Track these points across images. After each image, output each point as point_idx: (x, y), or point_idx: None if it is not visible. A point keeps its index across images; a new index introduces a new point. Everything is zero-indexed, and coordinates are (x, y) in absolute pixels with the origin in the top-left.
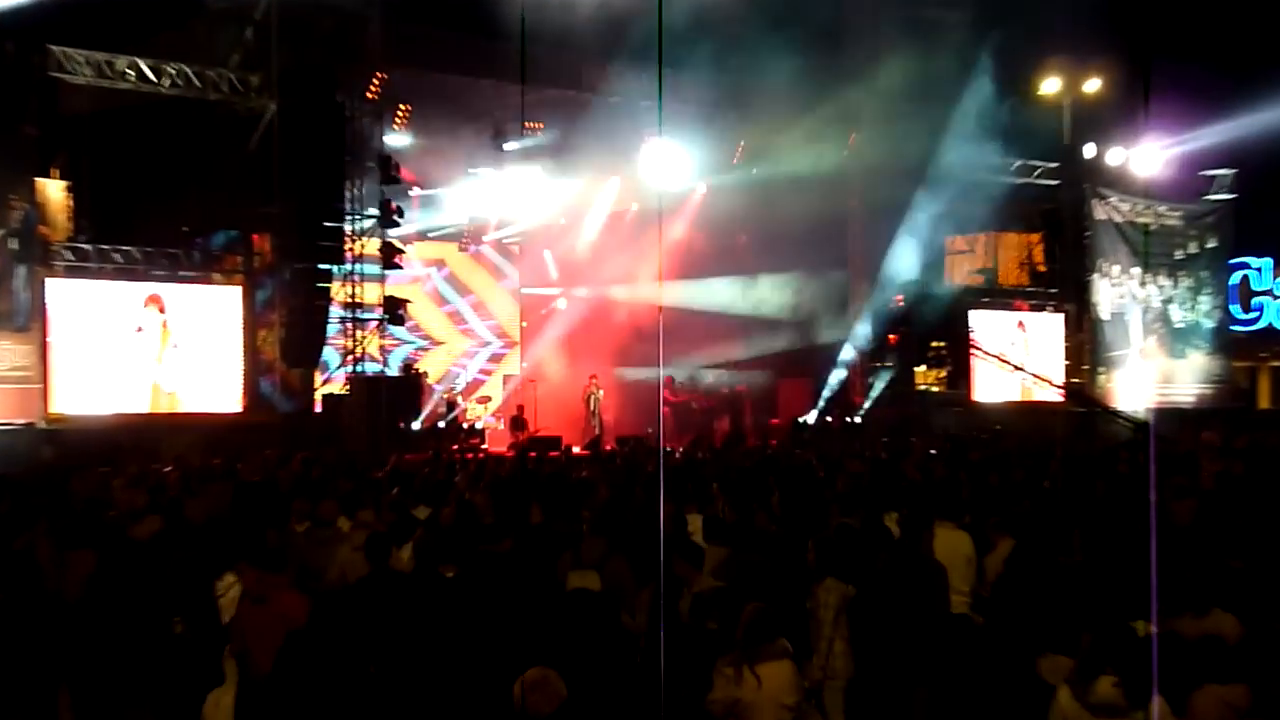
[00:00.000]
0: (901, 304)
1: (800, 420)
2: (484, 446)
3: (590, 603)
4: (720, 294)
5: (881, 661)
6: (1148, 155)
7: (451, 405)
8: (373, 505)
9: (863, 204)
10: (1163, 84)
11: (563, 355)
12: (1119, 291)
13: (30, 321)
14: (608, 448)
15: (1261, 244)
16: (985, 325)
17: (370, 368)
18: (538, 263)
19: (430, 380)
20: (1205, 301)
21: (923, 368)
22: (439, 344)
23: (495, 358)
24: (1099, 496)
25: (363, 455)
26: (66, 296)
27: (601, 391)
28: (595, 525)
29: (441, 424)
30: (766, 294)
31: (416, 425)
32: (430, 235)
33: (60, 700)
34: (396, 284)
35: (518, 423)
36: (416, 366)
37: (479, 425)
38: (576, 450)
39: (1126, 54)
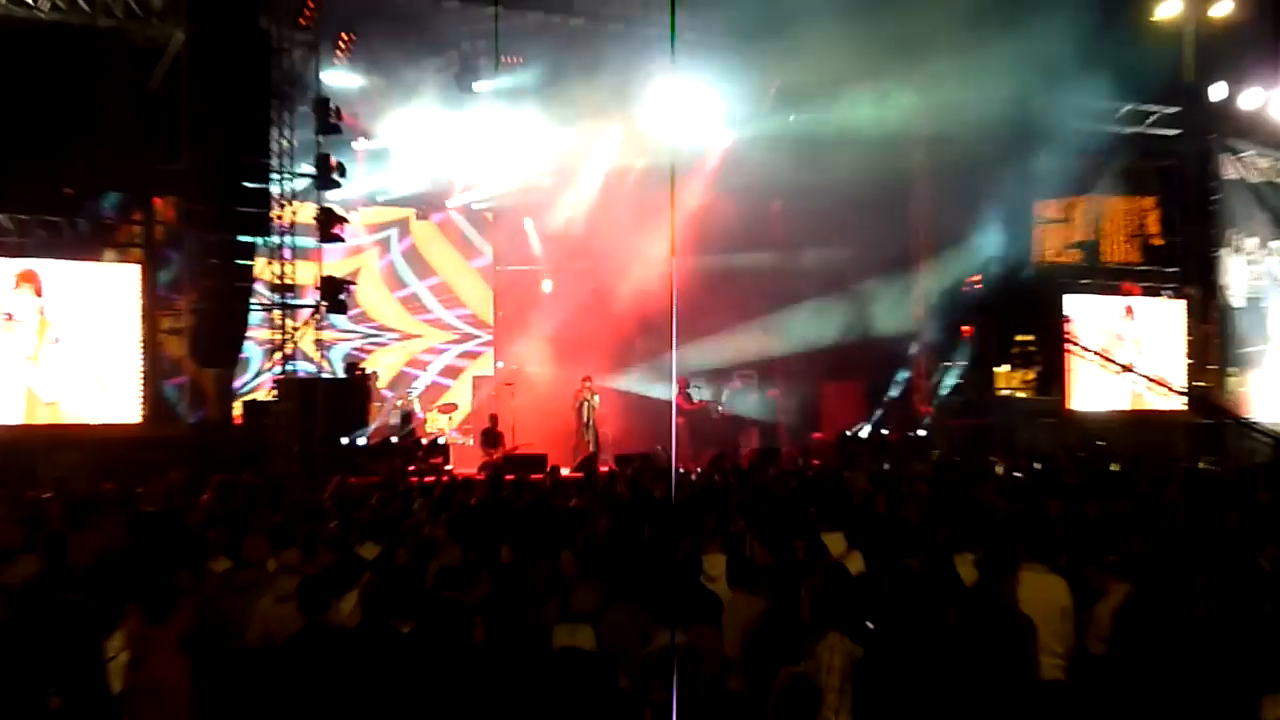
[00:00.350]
0: (979, 286)
1: (849, 433)
2: (449, 467)
3: (582, 665)
4: (749, 274)
5: None
6: None
7: (408, 416)
8: (305, 542)
9: (930, 161)
10: None
11: (548, 352)
12: (1255, 271)
13: None
14: (605, 469)
15: None
16: (1085, 313)
17: (304, 368)
18: (517, 235)
19: (380, 384)
20: None
21: (1005, 368)
22: (393, 337)
23: (464, 355)
24: (1230, 531)
25: (294, 479)
26: None
27: (597, 398)
28: (589, 567)
29: (394, 439)
30: (807, 274)
31: (363, 441)
32: (380, 200)
33: None
34: (337, 261)
35: (491, 437)
36: (363, 366)
37: (442, 441)
38: (566, 472)
39: None
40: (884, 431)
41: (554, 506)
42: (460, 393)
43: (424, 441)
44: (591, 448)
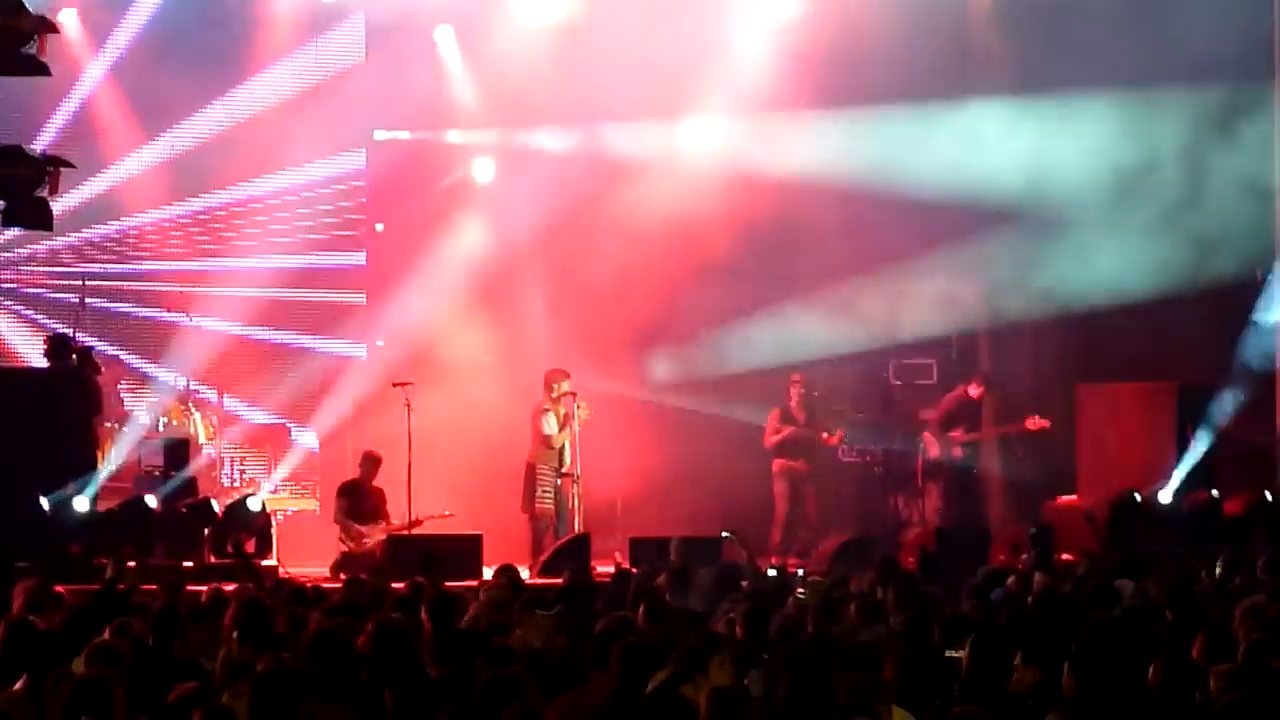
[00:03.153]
0: None
1: (1134, 497)
2: (274, 563)
3: None
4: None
5: None
6: None
7: (175, 448)
8: None
9: None
10: None
11: (489, 319)
12: None
13: None
14: (605, 565)
15: None
16: None
17: None
18: (417, 66)
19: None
20: None
21: None
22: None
23: (302, 323)
24: None
25: None
26: None
27: (584, 409)
28: None
29: (153, 500)
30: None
31: (85, 504)
32: None
33: None
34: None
35: (358, 499)
36: (83, 343)
37: (255, 504)
38: (528, 576)
39: None
40: (1213, 492)
41: (500, 677)
42: (296, 407)
43: (216, 507)
44: (576, 525)
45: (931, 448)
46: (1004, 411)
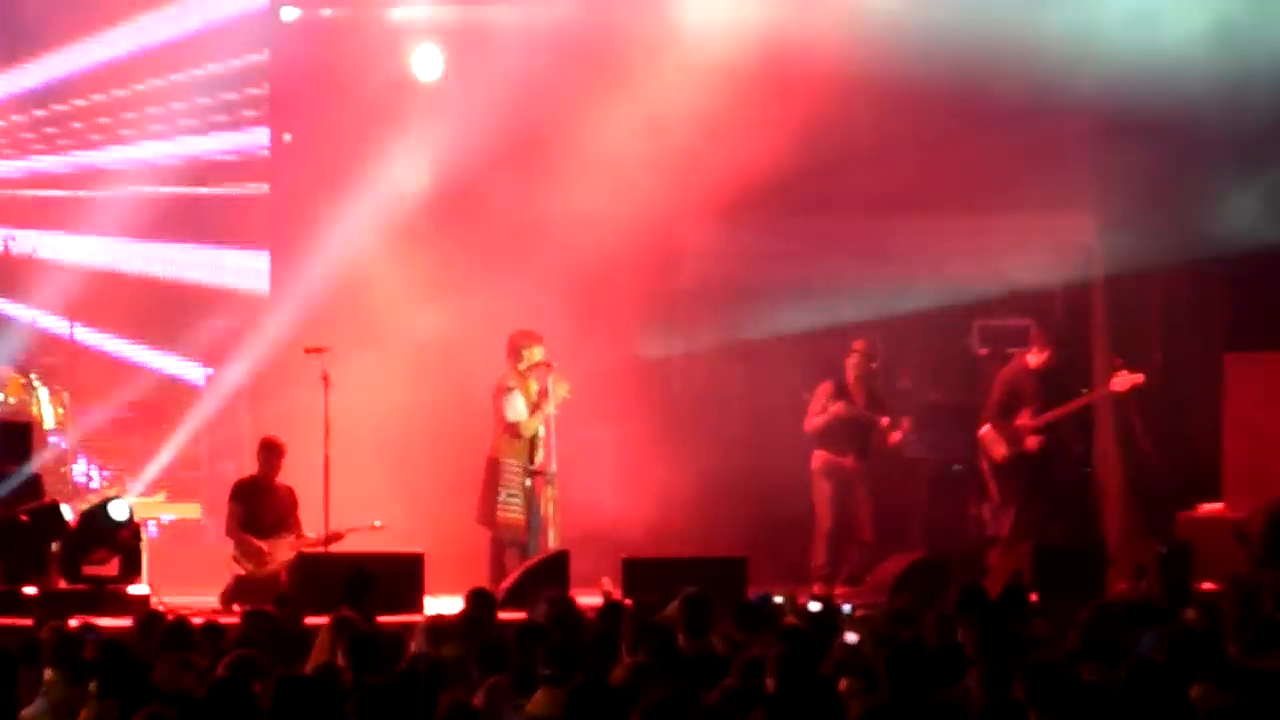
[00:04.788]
0: None
1: None
2: (145, 590)
3: None
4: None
5: None
6: None
7: (17, 441)
8: None
9: None
10: None
11: (426, 262)
12: None
13: None
14: (586, 598)
15: None
16: None
17: None
18: None
19: None
20: None
21: None
22: None
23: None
24: None
25: None
26: None
27: (564, 389)
28: None
29: None
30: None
31: None
32: None
33: None
34: None
35: (255, 500)
36: None
37: (122, 512)
38: (487, 604)
39: None
40: None
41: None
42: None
43: (68, 514)
44: (550, 540)
45: (995, 447)
46: (1078, 380)
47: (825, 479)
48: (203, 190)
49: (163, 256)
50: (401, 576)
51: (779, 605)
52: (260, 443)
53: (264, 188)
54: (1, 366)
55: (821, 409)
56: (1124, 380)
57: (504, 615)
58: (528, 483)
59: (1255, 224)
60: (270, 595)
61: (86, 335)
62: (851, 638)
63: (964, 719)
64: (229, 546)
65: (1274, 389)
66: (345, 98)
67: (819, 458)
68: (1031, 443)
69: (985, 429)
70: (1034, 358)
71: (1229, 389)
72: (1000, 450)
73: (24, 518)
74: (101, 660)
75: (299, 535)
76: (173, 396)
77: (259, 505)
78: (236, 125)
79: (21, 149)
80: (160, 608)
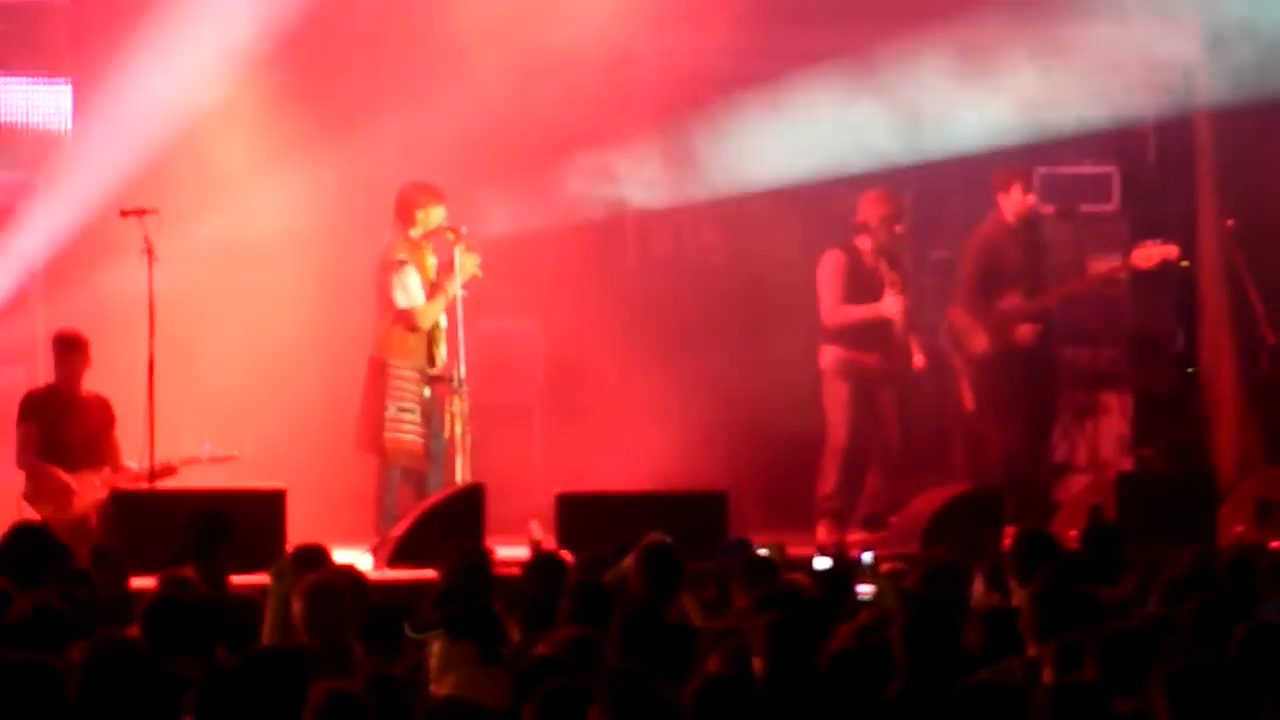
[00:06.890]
0: None
1: None
2: None
3: None
4: None
5: None
6: None
7: None
8: None
9: None
10: None
11: (288, 93)
12: None
13: None
14: (506, 548)
15: None
16: None
17: None
18: None
19: None
20: None
21: None
22: None
23: None
24: None
25: None
26: None
27: (474, 259)
28: None
29: None
30: None
31: None
32: None
33: None
34: None
35: (41, 407)
36: None
37: None
38: (371, 566)
39: None
40: None
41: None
42: None
43: None
44: (460, 471)
45: (972, 336)
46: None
47: (840, 382)
48: None
49: None
50: (257, 522)
51: (764, 557)
52: (55, 338)
53: None
54: None
55: (841, 291)
56: (1149, 254)
57: (394, 573)
58: (426, 392)
59: None
60: (81, 547)
61: None
62: (865, 589)
63: (1019, 708)
64: (19, 480)
65: None
66: None
67: (831, 354)
68: (1026, 332)
69: (951, 313)
70: (1010, 208)
71: None
72: (980, 342)
73: None
74: None
75: (115, 466)
76: None
77: (60, 424)
78: None
79: None
80: None
